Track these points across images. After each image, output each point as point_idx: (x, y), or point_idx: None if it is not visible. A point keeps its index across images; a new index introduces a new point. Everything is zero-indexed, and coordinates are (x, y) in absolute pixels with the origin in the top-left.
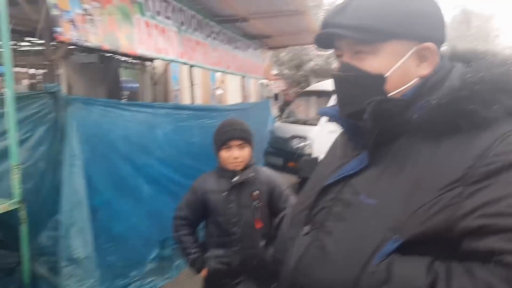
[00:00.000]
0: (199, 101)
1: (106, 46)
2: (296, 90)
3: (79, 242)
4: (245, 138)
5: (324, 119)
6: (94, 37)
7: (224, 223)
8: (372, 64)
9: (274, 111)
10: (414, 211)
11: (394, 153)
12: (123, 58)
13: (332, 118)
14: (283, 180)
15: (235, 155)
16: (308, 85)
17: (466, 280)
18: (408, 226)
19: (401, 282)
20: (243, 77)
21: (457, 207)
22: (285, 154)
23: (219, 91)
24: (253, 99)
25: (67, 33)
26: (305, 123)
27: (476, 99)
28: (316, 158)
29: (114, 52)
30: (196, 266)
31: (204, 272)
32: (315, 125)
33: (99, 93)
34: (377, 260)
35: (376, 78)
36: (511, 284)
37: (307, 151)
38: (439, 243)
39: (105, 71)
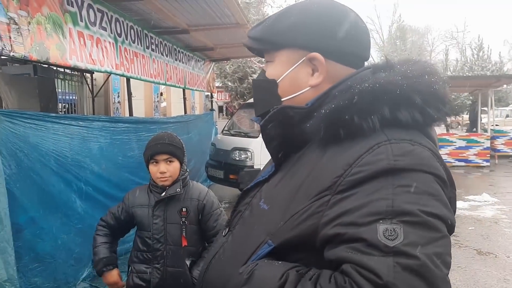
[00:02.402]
0: (141, 113)
1: (34, 56)
2: (240, 102)
3: (0, 263)
4: (172, 153)
5: None
6: (20, 47)
7: (149, 238)
8: (270, 70)
9: (221, 124)
10: (289, 218)
11: (295, 161)
12: (61, 69)
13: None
14: (215, 198)
15: (162, 170)
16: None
17: (309, 287)
18: (281, 231)
19: (257, 283)
20: (184, 89)
21: (321, 215)
22: (226, 167)
23: (163, 104)
24: (197, 111)
25: None
26: (246, 135)
27: (353, 109)
28: (257, 170)
29: (44, 63)
30: (99, 265)
31: (106, 279)
32: (256, 137)
33: (33, 106)
34: (250, 262)
35: (270, 82)
36: None
37: (248, 163)
38: (310, 250)
39: (40, 82)
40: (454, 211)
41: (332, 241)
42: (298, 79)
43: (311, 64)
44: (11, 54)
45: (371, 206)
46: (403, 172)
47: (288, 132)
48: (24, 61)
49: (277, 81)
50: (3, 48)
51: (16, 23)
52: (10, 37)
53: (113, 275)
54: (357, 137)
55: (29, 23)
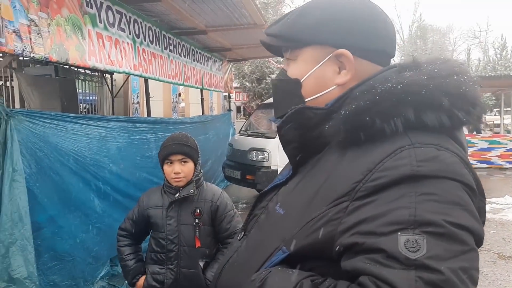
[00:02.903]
0: (160, 114)
1: (54, 57)
2: (258, 103)
3: (20, 261)
4: (187, 153)
5: None
6: (40, 48)
7: (163, 239)
8: (292, 69)
9: (239, 124)
10: (305, 224)
11: (313, 164)
12: (82, 70)
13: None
14: (228, 200)
15: (176, 170)
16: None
17: None
18: (296, 238)
19: None
20: (202, 90)
21: (338, 223)
22: (243, 167)
23: (181, 104)
24: (216, 111)
25: (10, 44)
26: (263, 135)
27: (374, 111)
28: (275, 171)
29: (64, 64)
30: (128, 278)
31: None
32: (274, 138)
33: (55, 106)
34: (263, 269)
35: (293, 82)
36: None
37: (265, 164)
38: (326, 259)
39: (61, 83)
40: (483, 222)
41: (349, 250)
42: (324, 78)
43: (337, 62)
44: (32, 55)
45: (392, 214)
46: (427, 179)
47: (306, 134)
48: (45, 62)
49: (301, 81)
50: (24, 50)
51: (36, 25)
52: (30, 39)
53: (139, 284)
54: (379, 141)
55: (49, 24)
